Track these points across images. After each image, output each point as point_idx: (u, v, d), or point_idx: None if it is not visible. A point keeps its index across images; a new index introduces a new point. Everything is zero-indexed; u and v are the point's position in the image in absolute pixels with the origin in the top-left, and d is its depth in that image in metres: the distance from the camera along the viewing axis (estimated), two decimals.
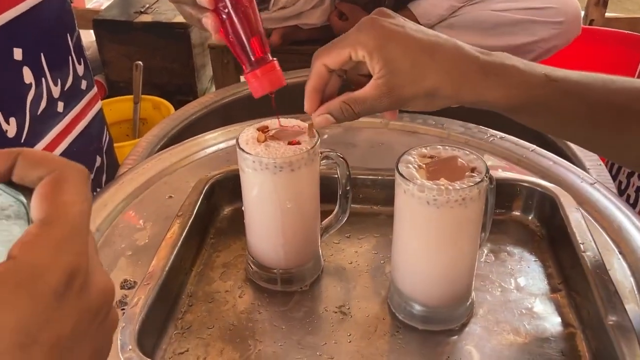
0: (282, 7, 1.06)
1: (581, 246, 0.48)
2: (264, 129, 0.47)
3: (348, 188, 0.51)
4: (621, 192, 0.77)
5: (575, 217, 0.51)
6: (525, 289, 0.50)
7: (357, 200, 0.61)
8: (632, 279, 0.49)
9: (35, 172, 0.23)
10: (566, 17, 0.89)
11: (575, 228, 0.49)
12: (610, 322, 0.41)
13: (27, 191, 0.23)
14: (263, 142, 0.45)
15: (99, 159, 0.84)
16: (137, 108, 1.17)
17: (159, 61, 1.33)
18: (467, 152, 0.44)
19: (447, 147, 0.45)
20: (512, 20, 0.90)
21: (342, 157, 0.50)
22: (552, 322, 0.46)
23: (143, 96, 1.19)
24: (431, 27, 0.95)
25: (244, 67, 0.45)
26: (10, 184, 0.23)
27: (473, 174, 0.41)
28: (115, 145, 0.91)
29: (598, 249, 0.48)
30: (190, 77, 1.34)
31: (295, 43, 1.15)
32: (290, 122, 0.48)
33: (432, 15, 0.97)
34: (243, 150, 0.45)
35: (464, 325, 0.47)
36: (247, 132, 0.47)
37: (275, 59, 0.46)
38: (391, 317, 0.48)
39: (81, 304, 0.22)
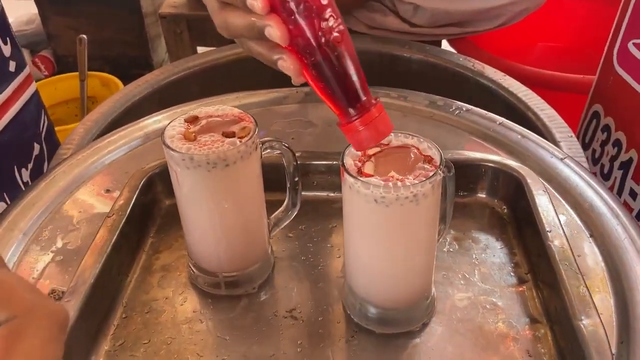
0: None
1: (548, 234, 0.44)
2: (192, 120, 0.41)
3: (296, 179, 0.47)
4: (595, 162, 0.74)
5: (542, 201, 0.47)
6: (490, 281, 0.46)
7: (311, 187, 0.56)
8: (603, 265, 0.45)
9: None
10: None
11: (542, 214, 0.46)
12: (579, 322, 0.37)
13: None
14: (192, 136, 0.40)
15: (37, 147, 0.77)
16: (83, 86, 1.08)
17: (109, 33, 1.24)
18: (421, 140, 0.39)
19: (399, 135, 0.40)
20: None
21: (287, 147, 0.45)
22: (518, 319, 0.43)
23: (90, 73, 1.10)
24: None
25: (340, 117, 0.34)
26: None
27: (426, 166, 0.37)
28: (59, 128, 0.84)
29: (566, 236, 0.44)
30: (144, 49, 1.25)
31: None
32: (224, 109, 0.42)
33: None
34: (169, 147, 0.39)
35: (425, 325, 0.43)
36: (175, 125, 0.41)
37: (378, 98, 0.35)
38: (346, 321, 0.44)
39: None
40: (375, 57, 0.82)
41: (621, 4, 0.67)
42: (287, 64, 0.35)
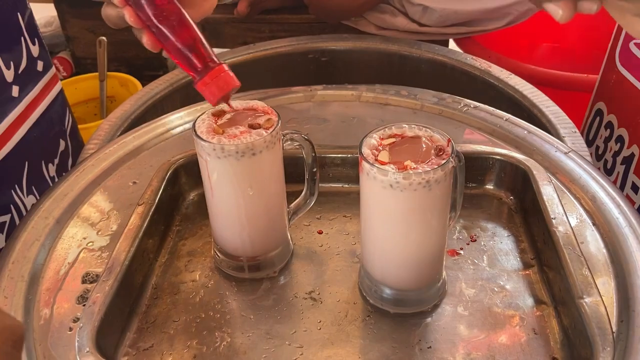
0: None
1: (553, 221, 0.47)
2: (219, 114, 0.44)
3: (314, 170, 0.50)
4: (598, 157, 0.76)
5: (547, 191, 0.50)
6: (497, 266, 0.49)
7: (327, 179, 0.59)
8: (605, 251, 0.48)
9: None
10: None
11: (547, 202, 0.48)
12: (581, 300, 0.40)
13: None
14: (220, 127, 0.43)
15: (62, 143, 0.81)
16: (103, 86, 1.12)
17: (125, 35, 1.27)
18: (433, 131, 0.42)
19: (413, 126, 0.43)
20: None
21: (306, 139, 0.48)
22: (524, 300, 0.46)
23: (109, 73, 1.14)
24: None
25: (192, 78, 0.43)
26: None
27: (439, 154, 0.40)
28: (80, 127, 0.88)
29: (570, 224, 0.47)
30: (159, 51, 1.29)
31: (266, 12, 1.10)
32: (248, 103, 0.45)
33: None
34: (200, 138, 0.42)
35: (436, 306, 0.46)
36: (204, 118, 0.44)
37: (223, 62, 0.44)
38: (362, 302, 0.47)
39: None
40: (384, 57, 0.85)
41: None
42: (144, 39, 0.46)
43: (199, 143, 0.42)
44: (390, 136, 0.42)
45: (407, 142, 0.41)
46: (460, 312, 0.45)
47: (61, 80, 1.18)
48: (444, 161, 0.39)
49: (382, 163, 0.39)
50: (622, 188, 0.71)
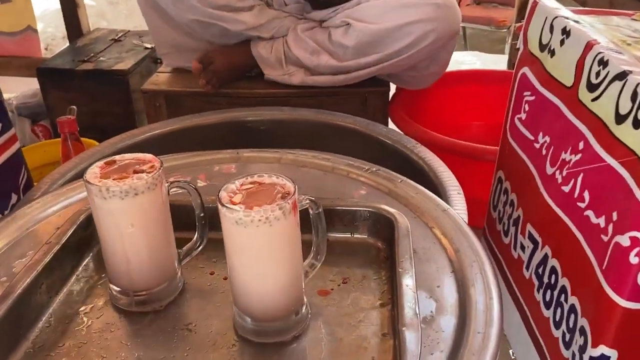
0: None
1: (401, 264, 0.53)
2: (110, 163, 0.52)
3: (202, 215, 0.57)
4: (499, 220, 0.83)
5: (403, 240, 0.56)
6: (359, 304, 0.54)
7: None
8: (456, 295, 0.54)
9: None
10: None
11: (400, 249, 0.55)
12: (402, 328, 0.45)
13: None
14: (105, 173, 0.50)
15: (14, 197, 0.88)
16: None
17: (100, 106, 1.39)
18: (286, 181, 0.49)
19: (272, 176, 0.50)
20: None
21: (193, 187, 0.55)
22: (373, 331, 0.51)
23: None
24: None
25: None
26: None
27: (284, 197, 0.47)
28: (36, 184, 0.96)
29: (414, 268, 0.53)
30: (130, 120, 1.40)
31: (226, 86, 1.21)
32: (137, 155, 0.53)
33: None
34: (87, 182, 0.50)
35: (296, 337, 0.51)
36: (95, 166, 0.52)
37: None
38: (232, 332, 0.52)
39: None
40: (311, 126, 0.95)
41: (510, 88, 0.80)
42: None
43: (87, 186, 0.50)
44: (250, 183, 0.49)
45: (262, 188, 0.48)
46: (316, 343, 0.50)
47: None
48: (284, 202, 0.46)
49: (233, 204, 0.46)
50: (514, 248, 0.77)
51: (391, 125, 1.14)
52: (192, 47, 1.21)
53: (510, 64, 1.63)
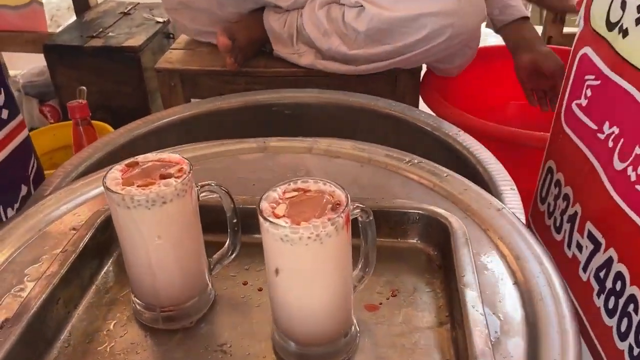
0: None
1: (462, 279, 0.47)
2: (133, 165, 0.46)
3: (235, 220, 0.50)
4: (549, 215, 0.76)
5: (462, 249, 0.50)
6: (412, 323, 0.49)
7: (258, 230, 0.59)
8: (521, 311, 0.47)
9: None
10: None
11: (459, 260, 0.48)
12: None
13: None
14: (128, 179, 0.44)
15: (24, 188, 0.83)
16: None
17: (111, 85, 1.33)
18: (335, 187, 0.42)
19: (319, 182, 0.43)
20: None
21: (224, 190, 0.49)
22: (432, 357, 0.45)
23: None
24: None
25: None
26: None
27: (335, 209, 0.40)
28: (47, 172, 0.90)
29: (478, 284, 0.47)
30: (143, 100, 1.33)
31: (243, 65, 1.13)
32: (162, 155, 0.47)
33: None
34: (109, 189, 0.44)
35: None
36: (115, 170, 0.45)
37: None
38: (272, 355, 0.46)
39: None
40: (344, 110, 0.88)
41: (567, 69, 0.72)
42: None
43: (108, 194, 0.43)
44: (293, 190, 0.43)
45: (308, 197, 0.42)
46: None
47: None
48: (336, 216, 0.39)
49: (277, 216, 0.40)
50: (569, 246, 0.70)
51: (422, 107, 1.06)
52: (201, 7, 1.13)
53: (546, 36, 1.53)
